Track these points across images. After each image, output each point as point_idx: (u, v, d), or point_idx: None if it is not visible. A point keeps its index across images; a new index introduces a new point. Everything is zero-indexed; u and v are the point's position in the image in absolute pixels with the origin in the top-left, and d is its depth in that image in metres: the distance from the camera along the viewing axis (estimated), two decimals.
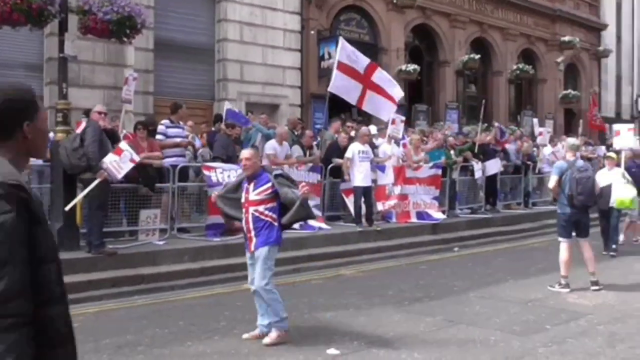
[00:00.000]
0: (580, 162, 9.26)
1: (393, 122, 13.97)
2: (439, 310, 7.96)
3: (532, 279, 10.00)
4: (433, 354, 6.17)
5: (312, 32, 17.78)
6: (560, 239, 9.37)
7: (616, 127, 12.93)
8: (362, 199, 12.42)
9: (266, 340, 6.40)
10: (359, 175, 12.21)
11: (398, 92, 13.97)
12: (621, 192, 11.00)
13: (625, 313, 7.82)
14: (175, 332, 6.81)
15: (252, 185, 6.52)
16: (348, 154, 12.33)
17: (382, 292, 9.00)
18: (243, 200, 6.56)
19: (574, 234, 9.28)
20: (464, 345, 6.49)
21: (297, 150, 12.55)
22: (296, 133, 13.55)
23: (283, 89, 17.03)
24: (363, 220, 12.49)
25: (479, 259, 12.24)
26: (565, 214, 9.15)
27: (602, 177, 11.07)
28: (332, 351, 6.22)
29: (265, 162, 11.87)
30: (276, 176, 6.61)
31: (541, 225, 16.15)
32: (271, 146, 11.94)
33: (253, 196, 6.48)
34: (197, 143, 12.34)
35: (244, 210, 6.55)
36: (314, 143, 13.71)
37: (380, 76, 13.99)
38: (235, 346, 6.40)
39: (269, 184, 6.47)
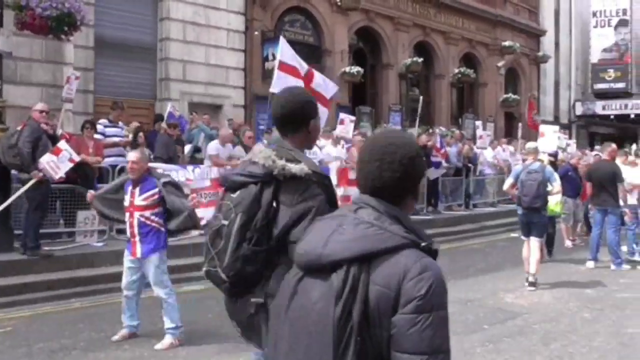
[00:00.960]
0: (534, 165, 9.50)
1: (342, 122, 14.02)
2: None
3: (471, 279, 10.15)
4: None
5: (256, 32, 17.69)
6: (522, 237, 9.81)
7: (542, 128, 12.81)
8: None
9: (159, 346, 6.34)
10: None
11: (333, 87, 14.09)
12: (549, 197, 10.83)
13: (560, 312, 8.03)
14: (111, 335, 6.67)
15: (137, 189, 6.41)
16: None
17: None
18: (127, 204, 6.44)
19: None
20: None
21: (240, 151, 12.45)
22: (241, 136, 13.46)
23: (226, 90, 16.89)
24: None
25: None
26: (519, 214, 9.73)
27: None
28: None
29: (207, 163, 11.81)
30: (165, 184, 6.51)
31: (481, 227, 16.47)
32: (214, 147, 11.83)
33: (139, 201, 6.38)
34: None
35: (128, 214, 6.45)
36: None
37: (318, 82, 14.10)
38: (172, 350, 6.32)
39: (156, 190, 6.39)
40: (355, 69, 20.14)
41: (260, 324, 2.74)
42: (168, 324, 6.44)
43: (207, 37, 16.51)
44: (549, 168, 9.99)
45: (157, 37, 16.01)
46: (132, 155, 6.57)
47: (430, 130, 17.84)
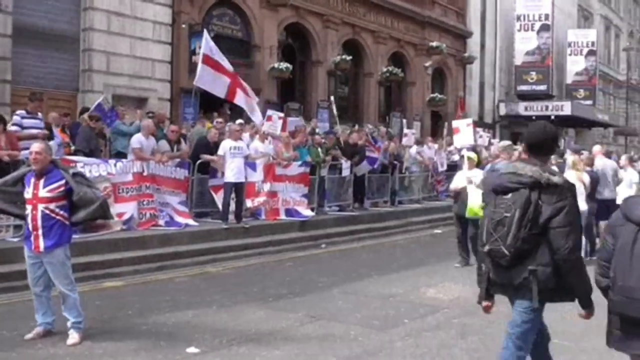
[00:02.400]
0: (501, 164, 9.65)
1: (269, 118, 13.93)
2: (302, 306, 8.02)
3: (394, 274, 10.27)
4: (293, 350, 6.20)
5: (184, 25, 17.43)
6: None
7: (455, 124, 12.68)
8: (233, 196, 12.34)
9: (71, 341, 6.19)
10: (230, 172, 12.11)
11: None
12: (471, 198, 10.44)
13: (478, 307, 8.07)
14: (26, 334, 6.42)
15: (41, 181, 6.19)
16: (220, 151, 12.23)
17: (246, 290, 8.95)
18: (30, 196, 6.21)
19: None
20: (324, 340, 6.57)
21: (164, 145, 12.25)
22: (164, 129, 13.21)
23: (152, 83, 16.58)
24: (231, 217, 12.41)
25: (345, 255, 12.47)
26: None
27: (460, 179, 10.96)
28: (191, 350, 6.12)
29: (130, 157, 11.55)
30: (74, 174, 6.37)
31: (406, 223, 16.72)
32: (137, 140, 11.57)
33: (43, 193, 6.16)
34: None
35: (30, 206, 6.22)
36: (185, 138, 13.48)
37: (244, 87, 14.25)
38: (89, 347, 6.14)
39: (62, 181, 6.21)
40: (284, 65, 20.11)
41: (531, 284, 4.12)
42: (74, 318, 6.28)
43: (132, 28, 16.15)
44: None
45: (80, 27, 15.56)
46: (35, 146, 6.32)
47: (357, 127, 17.99)
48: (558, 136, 4.28)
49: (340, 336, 6.70)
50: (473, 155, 11.41)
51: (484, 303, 4.61)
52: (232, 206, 12.51)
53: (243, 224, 12.43)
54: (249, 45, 20.01)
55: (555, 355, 6.15)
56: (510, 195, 4.14)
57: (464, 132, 11.90)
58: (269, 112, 14.06)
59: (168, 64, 17.10)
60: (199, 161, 12.65)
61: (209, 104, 15.93)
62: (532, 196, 4.05)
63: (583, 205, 11.46)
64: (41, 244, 6.17)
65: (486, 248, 4.21)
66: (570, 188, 4.13)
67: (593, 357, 6.13)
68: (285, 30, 21.79)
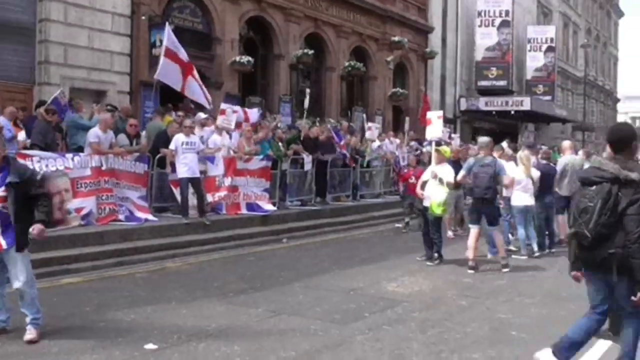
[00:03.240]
0: (487, 159, 10.13)
1: (222, 112, 13.80)
2: (263, 301, 7.99)
3: (355, 268, 10.30)
4: (253, 345, 6.16)
5: (143, 17, 17.17)
6: (470, 225, 10.45)
7: (429, 115, 12.69)
8: (191, 190, 12.23)
9: (29, 337, 6.06)
10: (183, 167, 12.01)
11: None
12: (433, 194, 10.63)
13: (438, 300, 8.27)
14: None
15: None
16: (171, 145, 12.13)
17: (207, 285, 8.89)
18: None
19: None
20: (284, 335, 6.55)
21: (122, 139, 12.07)
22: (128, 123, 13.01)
23: (111, 75, 16.29)
24: (194, 211, 12.31)
25: (306, 249, 12.46)
26: (472, 203, 10.52)
27: (427, 174, 10.97)
28: (149, 346, 6.04)
29: (88, 151, 11.36)
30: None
31: (367, 217, 16.78)
32: (94, 134, 11.36)
33: (0, 192, 6.01)
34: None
35: None
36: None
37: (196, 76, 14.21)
38: (45, 345, 6.03)
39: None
40: (246, 58, 19.98)
41: (612, 263, 4.77)
42: (33, 314, 6.16)
43: (90, 19, 15.84)
44: (500, 162, 10.47)
45: (37, 18, 15.21)
46: None
47: (323, 123, 17.99)
48: (637, 134, 4.97)
49: (300, 330, 6.69)
50: (443, 148, 11.38)
51: (573, 273, 5.28)
52: (193, 201, 12.40)
53: (205, 220, 12.31)
54: (210, 38, 19.83)
55: (511, 347, 6.27)
56: (594, 187, 4.91)
57: (435, 125, 11.84)
58: (223, 105, 13.90)
59: (127, 57, 16.82)
60: (158, 155, 12.50)
61: (170, 98, 15.74)
62: (613, 189, 4.77)
63: (531, 200, 11.65)
64: (2, 242, 6.01)
65: (572, 230, 5.05)
66: None
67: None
68: (247, 23, 21.65)
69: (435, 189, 10.53)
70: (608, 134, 5.24)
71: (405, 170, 14.13)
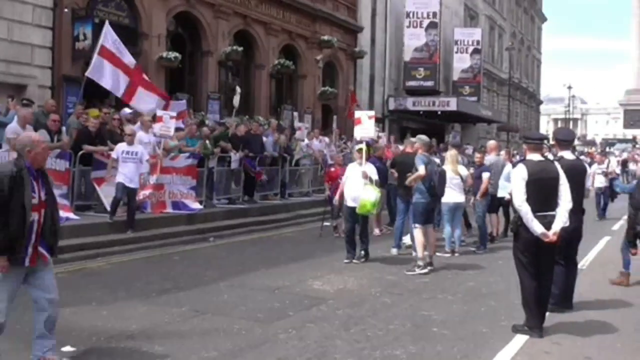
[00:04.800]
0: (437, 159, 10.75)
1: (160, 119, 13.51)
2: (186, 300, 7.88)
3: (281, 267, 10.28)
4: (174, 346, 6.06)
5: (66, 10, 16.65)
6: (417, 225, 10.18)
7: (357, 114, 12.70)
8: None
9: None
10: (122, 177, 11.77)
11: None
12: (365, 194, 10.57)
13: (362, 298, 8.33)
14: None
15: None
16: (113, 154, 11.88)
17: (129, 285, 8.71)
18: None
19: None
20: (206, 334, 6.47)
21: (43, 135, 11.66)
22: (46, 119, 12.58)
23: (31, 69, 15.73)
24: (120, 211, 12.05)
25: (233, 248, 12.36)
26: (427, 202, 10.19)
27: (352, 173, 10.97)
28: (67, 348, 5.86)
29: (5, 147, 10.93)
30: None
31: (296, 216, 16.78)
32: (12, 130, 10.95)
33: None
34: None
35: None
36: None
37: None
38: None
39: None
40: (173, 54, 19.64)
41: None
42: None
43: (10, 10, 15.25)
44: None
45: None
46: None
47: (247, 119, 17.88)
48: None
49: (223, 330, 6.63)
50: (365, 147, 11.39)
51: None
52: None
53: (129, 232, 11.92)
54: (136, 33, 19.37)
55: (433, 343, 6.37)
56: None
57: (365, 124, 11.78)
58: (159, 112, 13.63)
59: (49, 50, 16.28)
60: (80, 152, 12.17)
61: (93, 94, 15.31)
62: None
63: (459, 198, 11.91)
64: (45, 252, 5.47)
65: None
66: None
67: (470, 345, 6.33)
68: (175, 19, 21.30)
69: (366, 189, 10.56)
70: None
71: (333, 169, 14.13)
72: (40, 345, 5.41)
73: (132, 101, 13.94)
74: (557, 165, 6.97)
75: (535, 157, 6.88)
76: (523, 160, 7.00)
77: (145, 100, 13.96)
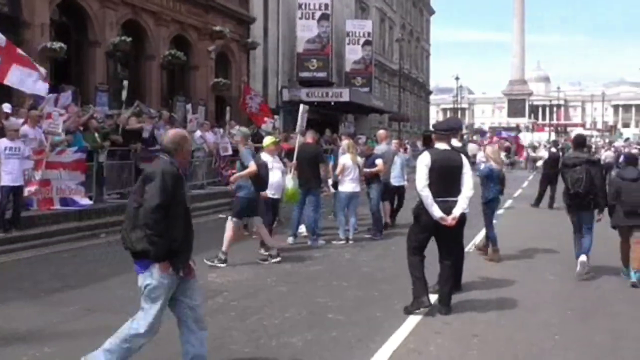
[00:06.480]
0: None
1: (49, 116, 12.95)
2: (78, 299, 7.67)
3: None
4: (65, 346, 5.91)
5: None
6: (234, 219, 10.01)
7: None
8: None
9: None
10: (6, 175, 11.23)
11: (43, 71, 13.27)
12: (288, 183, 11.16)
13: (258, 288, 8.38)
14: None
15: None
16: None
17: (17, 285, 8.40)
18: None
19: None
20: (99, 333, 6.26)
21: None
22: None
23: None
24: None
25: None
26: (250, 198, 9.92)
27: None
28: None
29: None
30: None
31: (191, 209, 16.51)
32: None
33: None
34: None
35: None
36: None
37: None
38: None
39: None
40: (58, 44, 18.87)
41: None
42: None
43: None
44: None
45: None
46: None
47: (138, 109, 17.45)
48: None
49: (117, 327, 6.40)
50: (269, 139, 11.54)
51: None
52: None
53: (13, 231, 11.40)
54: (17, 21, 18.47)
55: (328, 330, 6.49)
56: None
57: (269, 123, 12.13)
58: (48, 109, 13.07)
59: None
60: None
61: None
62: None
63: (356, 187, 12.17)
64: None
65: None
66: None
67: (365, 329, 6.50)
68: (59, 7, 20.46)
69: (288, 179, 11.04)
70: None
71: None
72: None
73: (6, 79, 13.03)
74: (462, 155, 7.38)
75: (441, 146, 7.26)
76: (429, 148, 7.42)
77: (21, 78, 13.11)
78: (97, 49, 21.39)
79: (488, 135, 38.36)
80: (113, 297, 7.78)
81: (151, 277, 4.81)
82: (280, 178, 11.00)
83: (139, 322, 4.96)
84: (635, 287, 8.60)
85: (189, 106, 23.08)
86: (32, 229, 11.86)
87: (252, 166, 9.78)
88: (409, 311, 7.04)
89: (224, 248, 9.87)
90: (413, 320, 6.84)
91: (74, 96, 16.76)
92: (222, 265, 9.67)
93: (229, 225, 9.99)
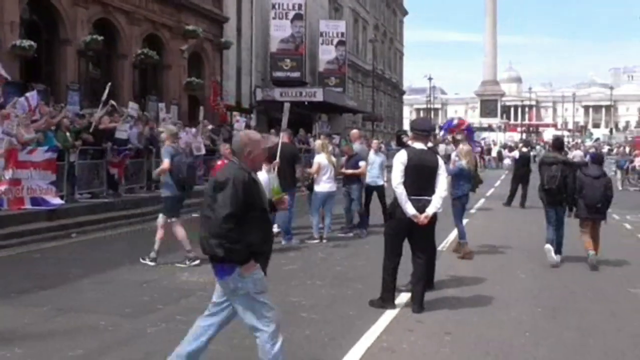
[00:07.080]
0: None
1: (7, 117, 12.78)
2: (49, 299, 7.59)
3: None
4: (36, 347, 5.84)
5: None
6: (174, 219, 10.05)
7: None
8: None
9: None
10: None
11: None
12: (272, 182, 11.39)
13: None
14: None
15: None
16: None
17: None
18: None
19: None
20: (71, 333, 6.27)
21: None
22: None
23: None
24: None
25: (98, 244, 12.01)
26: (175, 196, 10.06)
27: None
28: None
29: None
30: None
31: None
32: None
33: None
34: None
35: None
36: None
37: None
38: None
39: None
40: (28, 42, 18.66)
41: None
42: None
43: None
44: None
45: None
46: None
47: (112, 108, 17.29)
48: None
49: (90, 327, 6.45)
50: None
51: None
52: None
53: None
54: None
55: (302, 328, 6.51)
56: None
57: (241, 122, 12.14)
58: (7, 109, 12.90)
59: None
60: None
61: None
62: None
63: (332, 187, 12.22)
64: None
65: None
66: None
67: (338, 327, 6.53)
68: (29, 5, 20.21)
69: (273, 178, 10.77)
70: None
71: (219, 162, 13.97)
72: None
73: None
74: (438, 156, 7.58)
75: (418, 145, 7.35)
76: (406, 147, 7.56)
77: None
78: (68, 48, 21.21)
79: (456, 120, 38.95)
80: (84, 298, 7.72)
81: (241, 279, 4.62)
82: (267, 178, 10.95)
83: (260, 330, 4.86)
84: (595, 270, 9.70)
85: (161, 105, 22.97)
86: (2, 229, 11.69)
87: (165, 164, 9.68)
88: (373, 304, 7.22)
89: (187, 247, 9.77)
90: (386, 318, 6.89)
91: (41, 96, 16.51)
92: (196, 262, 9.52)
93: (174, 226, 9.98)
